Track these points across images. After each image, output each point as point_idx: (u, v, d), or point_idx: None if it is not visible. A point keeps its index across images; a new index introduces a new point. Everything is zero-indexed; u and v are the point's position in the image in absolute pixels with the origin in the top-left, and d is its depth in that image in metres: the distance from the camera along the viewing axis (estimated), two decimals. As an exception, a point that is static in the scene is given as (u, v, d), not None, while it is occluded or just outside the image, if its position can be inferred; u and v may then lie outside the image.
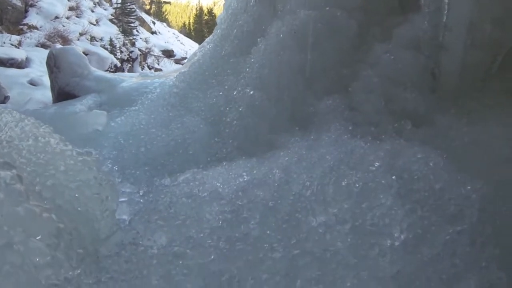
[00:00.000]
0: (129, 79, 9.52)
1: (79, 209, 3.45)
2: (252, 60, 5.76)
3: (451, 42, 4.71)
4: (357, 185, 3.33)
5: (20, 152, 3.57)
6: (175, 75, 7.92)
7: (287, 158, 4.16)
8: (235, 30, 6.77)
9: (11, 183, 2.30)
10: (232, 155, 5.11)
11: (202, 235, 3.21)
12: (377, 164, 3.63)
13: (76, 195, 3.48)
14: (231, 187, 3.80)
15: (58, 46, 10.77)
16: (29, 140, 3.90)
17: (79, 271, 2.51)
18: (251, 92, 5.34)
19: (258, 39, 5.89)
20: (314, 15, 5.35)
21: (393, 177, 3.43)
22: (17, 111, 7.65)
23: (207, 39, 11.21)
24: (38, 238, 2.27)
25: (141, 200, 4.53)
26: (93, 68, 10.06)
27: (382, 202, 3.19)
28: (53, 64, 9.96)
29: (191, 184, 4.02)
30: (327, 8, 5.35)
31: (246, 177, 3.99)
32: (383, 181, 3.36)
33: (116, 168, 5.55)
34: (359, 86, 4.99)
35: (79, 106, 8.38)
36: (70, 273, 2.25)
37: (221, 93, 6.13)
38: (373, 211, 3.13)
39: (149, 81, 8.82)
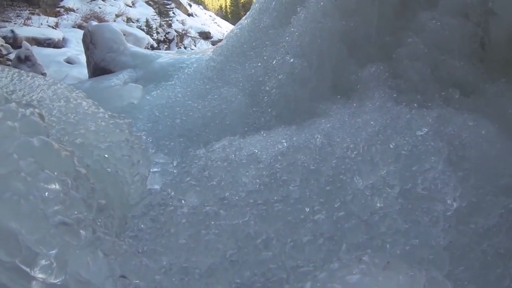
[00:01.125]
0: (165, 55, 9.40)
1: (108, 169, 3.31)
2: (292, 29, 5.55)
3: (501, 8, 4.47)
4: (406, 148, 3.13)
5: (50, 111, 3.46)
6: (212, 51, 7.79)
7: (329, 125, 4.00)
8: (273, 3, 6.59)
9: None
10: (270, 124, 4.95)
11: (237, 197, 3.05)
12: (425, 129, 3.45)
13: (106, 155, 3.35)
14: (270, 153, 3.64)
15: (94, 22, 10.71)
16: (61, 101, 3.80)
17: (96, 219, 2.32)
18: (291, 60, 5.13)
19: (298, 9, 5.68)
20: (357, -18, 5.15)
21: (443, 143, 3.23)
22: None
23: (244, 16, 11.10)
24: (49, 171, 2.09)
25: (175, 171, 4.41)
26: (129, 44, 9.96)
27: (433, 166, 2.99)
28: (89, 41, 9.91)
29: (227, 150, 3.87)
30: (371, -25, 5.13)
31: (285, 143, 3.83)
32: (432, 145, 3.16)
33: (151, 140, 5.43)
34: (404, 53, 4.77)
35: (114, 80, 8.32)
36: (85, 213, 2.06)
37: (259, 64, 5.95)
38: (424, 174, 2.93)
39: (185, 56, 8.70)
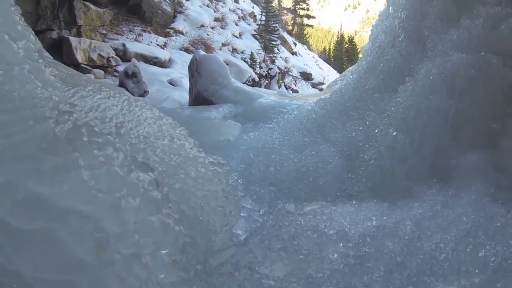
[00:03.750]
0: (267, 96, 9.63)
1: (200, 218, 3.47)
2: (399, 99, 5.55)
3: None
4: (494, 259, 3.08)
5: (154, 150, 3.66)
6: (314, 100, 7.89)
7: (420, 211, 3.97)
8: (381, 65, 6.56)
9: (149, 189, 2.32)
10: (363, 195, 4.94)
11: (321, 274, 3.11)
12: (519, 241, 3.36)
13: (202, 204, 3.51)
14: (359, 230, 3.68)
15: (202, 52, 11.11)
16: (165, 140, 4.01)
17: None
18: (394, 133, 5.14)
19: (406, 78, 5.68)
20: (467, 59, 5.10)
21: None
22: (156, 108, 8.02)
23: (349, 69, 11.17)
24: (165, 252, 2.28)
25: (260, 220, 4.52)
26: (232, 79, 10.31)
27: (522, 286, 2.93)
28: (195, 69, 10.33)
29: (318, 217, 3.94)
30: (482, 53, 5.09)
31: (375, 222, 3.86)
32: (526, 262, 3.09)
33: (241, 182, 5.57)
34: (510, 145, 4.68)
35: (214, 113, 8.60)
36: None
37: (361, 127, 5.95)
38: (509, 293, 2.89)
39: (287, 101, 8.85)
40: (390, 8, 7.10)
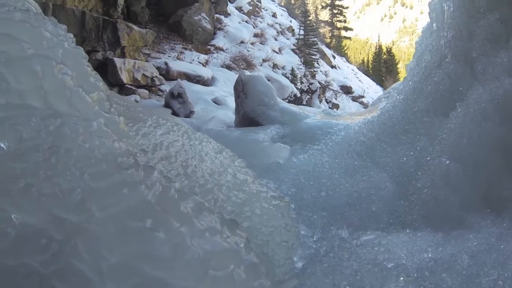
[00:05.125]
0: (313, 116, 9.70)
1: (266, 253, 3.60)
2: (450, 125, 5.53)
3: None
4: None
5: (220, 188, 3.81)
6: (360, 121, 7.92)
7: (475, 243, 3.98)
8: (429, 87, 6.52)
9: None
10: (417, 224, 4.93)
11: (384, 311, 3.19)
12: None
13: (267, 240, 3.64)
14: (416, 262, 3.72)
15: (247, 72, 11.26)
16: (228, 175, 4.16)
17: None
18: (447, 162, 5.12)
19: (457, 104, 5.65)
20: (520, 85, 5.07)
21: None
22: (203, 129, 8.17)
23: (394, 86, 11.15)
24: None
25: (314, 246, 4.59)
26: (279, 99, 10.41)
27: None
28: (240, 89, 10.45)
29: (376, 249, 4.00)
30: (537, 79, 5.04)
31: (431, 253, 3.89)
32: None
33: (293, 206, 5.62)
34: None
35: (262, 135, 8.69)
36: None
37: (411, 153, 5.95)
38: None
39: (334, 121, 8.89)
40: (434, 24, 7.07)
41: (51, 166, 1.99)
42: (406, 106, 6.88)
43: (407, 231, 4.56)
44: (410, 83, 7.18)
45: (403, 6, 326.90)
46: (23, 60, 2.36)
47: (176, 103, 13.04)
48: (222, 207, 3.42)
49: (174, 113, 12.66)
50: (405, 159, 5.99)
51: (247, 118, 9.99)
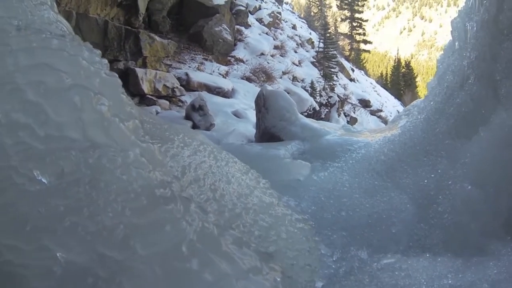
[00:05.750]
0: (333, 132, 9.73)
1: (290, 277, 3.65)
2: (472, 149, 5.53)
3: None
4: None
5: (248, 212, 3.88)
6: (381, 139, 7.95)
7: (495, 271, 3.98)
8: (451, 108, 6.50)
9: None
10: (437, 249, 4.92)
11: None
12: None
13: (292, 263, 3.70)
14: (436, 290, 3.75)
15: (269, 87, 11.32)
16: (254, 198, 4.23)
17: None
18: (469, 187, 5.12)
19: (480, 127, 5.63)
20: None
21: None
22: (223, 143, 8.20)
23: (414, 103, 11.14)
24: None
25: (333, 266, 4.62)
26: (300, 115, 10.45)
27: None
28: (262, 104, 10.50)
29: (396, 273, 4.02)
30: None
31: (451, 280, 3.91)
32: None
33: (312, 224, 5.66)
34: None
35: (283, 151, 8.72)
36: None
37: (432, 175, 5.94)
38: None
39: (354, 138, 8.91)
40: (456, 43, 7.04)
41: (93, 202, 2.04)
42: (427, 126, 6.88)
43: (427, 255, 4.57)
44: (432, 103, 7.17)
45: (422, 19, 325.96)
46: (62, 91, 2.42)
47: (197, 116, 13.14)
48: (250, 232, 3.48)
49: (195, 126, 12.76)
50: (426, 181, 5.98)
51: (268, 133, 10.04)
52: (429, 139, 6.61)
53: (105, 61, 3.22)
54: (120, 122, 2.64)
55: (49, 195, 2.04)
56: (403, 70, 65.07)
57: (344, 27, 61.55)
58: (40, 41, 2.69)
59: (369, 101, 35.50)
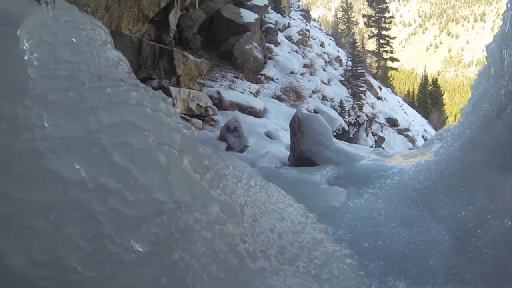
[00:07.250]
0: (367, 157, 9.81)
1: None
2: (511, 184, 5.57)
3: None
4: None
5: (303, 250, 4.01)
6: (414, 165, 8.00)
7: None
8: (488, 138, 6.50)
9: None
10: (475, 283, 4.97)
11: None
12: None
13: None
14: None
15: (304, 110, 11.40)
16: (306, 235, 4.38)
17: None
18: (509, 223, 5.17)
19: (518, 160, 5.67)
20: None
21: None
22: (258, 167, 8.30)
23: (447, 128, 11.19)
24: None
25: (372, 297, 4.72)
26: (334, 139, 10.53)
27: None
28: (297, 127, 10.58)
29: (436, 308, 4.11)
30: None
31: (489, 318, 3.98)
32: None
33: (349, 252, 5.74)
34: None
35: (318, 176, 8.81)
36: None
37: (470, 207, 5.96)
38: None
39: (388, 164, 8.94)
40: (492, 69, 7.06)
41: (191, 269, 2.10)
42: (463, 156, 6.88)
43: (465, 290, 4.63)
44: (468, 131, 7.14)
45: (448, 35, 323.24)
46: (148, 152, 2.50)
47: (232, 137, 13.25)
48: (308, 272, 3.61)
49: (229, 147, 12.89)
50: (463, 213, 5.99)
51: (303, 157, 10.11)
52: (466, 170, 6.61)
53: (178, 109, 3.37)
54: (201, 178, 2.73)
55: (148, 264, 2.09)
56: (430, 87, 64.47)
57: (371, 44, 61.55)
58: (118, 95, 2.79)
59: (396, 120, 35.37)
